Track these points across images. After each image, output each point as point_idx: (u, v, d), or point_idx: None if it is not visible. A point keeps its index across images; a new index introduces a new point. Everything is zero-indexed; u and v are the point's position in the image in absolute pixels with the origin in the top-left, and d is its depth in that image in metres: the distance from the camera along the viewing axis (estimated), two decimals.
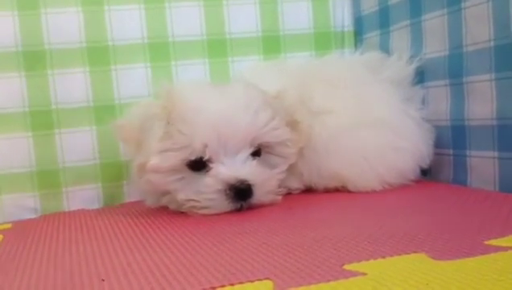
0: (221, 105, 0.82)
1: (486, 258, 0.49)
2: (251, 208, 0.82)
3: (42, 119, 1.02)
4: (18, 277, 0.58)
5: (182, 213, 0.85)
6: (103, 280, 0.53)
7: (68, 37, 1.03)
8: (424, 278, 0.45)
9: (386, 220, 0.69)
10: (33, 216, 1.01)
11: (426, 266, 0.48)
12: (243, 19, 1.14)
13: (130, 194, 1.07)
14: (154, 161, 0.81)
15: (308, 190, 0.96)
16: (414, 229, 0.62)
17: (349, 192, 0.91)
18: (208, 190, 0.81)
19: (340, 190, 0.92)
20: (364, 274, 0.47)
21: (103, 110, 1.05)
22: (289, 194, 0.95)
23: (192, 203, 0.82)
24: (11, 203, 1.01)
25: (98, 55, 1.05)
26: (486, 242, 0.54)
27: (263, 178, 0.83)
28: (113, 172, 1.07)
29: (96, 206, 1.05)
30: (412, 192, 0.89)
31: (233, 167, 0.81)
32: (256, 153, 0.85)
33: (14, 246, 0.74)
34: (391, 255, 0.52)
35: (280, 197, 0.87)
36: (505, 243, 0.53)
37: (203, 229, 0.73)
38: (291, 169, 0.92)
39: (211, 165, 0.82)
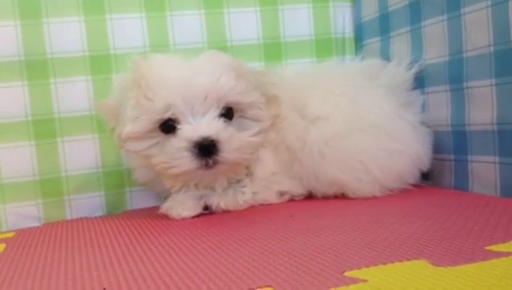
0: (184, 70, 0.86)
1: (487, 264, 0.49)
2: (217, 164, 0.84)
3: (44, 128, 1.03)
4: (20, 286, 0.58)
5: (183, 219, 0.88)
6: (105, 289, 0.54)
7: (70, 46, 1.04)
8: (425, 284, 0.45)
9: (387, 226, 0.69)
10: (36, 224, 1.01)
11: (426, 272, 0.49)
12: (244, 27, 1.14)
13: (133, 202, 1.08)
14: (128, 128, 0.85)
15: (309, 197, 0.96)
16: (415, 235, 0.62)
17: (350, 198, 0.91)
18: (174, 149, 0.84)
19: (340, 197, 0.93)
20: (365, 281, 0.48)
21: None
22: (291, 201, 0.95)
23: (163, 165, 0.85)
24: (14, 212, 1.01)
25: (100, 63, 1.06)
26: (487, 248, 0.54)
27: (229, 135, 0.84)
28: (116, 180, 1.08)
29: (99, 214, 1.05)
30: (413, 197, 0.89)
31: (199, 126, 0.84)
32: (227, 116, 0.87)
33: (16, 254, 0.74)
34: (392, 262, 0.53)
35: (249, 157, 0.88)
36: (506, 249, 0.54)
37: (203, 235, 0.74)
38: (291, 174, 0.94)
39: (179, 127, 0.84)
